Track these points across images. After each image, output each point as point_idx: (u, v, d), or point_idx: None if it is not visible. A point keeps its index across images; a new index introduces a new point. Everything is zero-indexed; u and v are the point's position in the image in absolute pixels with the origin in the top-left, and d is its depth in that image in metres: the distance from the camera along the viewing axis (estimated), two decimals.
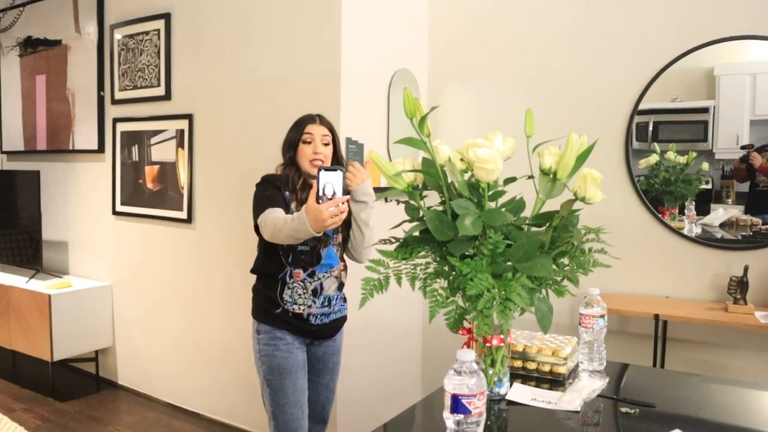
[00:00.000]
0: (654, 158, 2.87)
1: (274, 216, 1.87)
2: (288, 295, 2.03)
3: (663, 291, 2.82)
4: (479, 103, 3.25)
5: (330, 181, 1.68)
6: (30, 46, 4.15)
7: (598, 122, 2.92)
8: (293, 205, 2.02)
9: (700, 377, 1.78)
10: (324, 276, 2.06)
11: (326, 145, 2.09)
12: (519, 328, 1.79)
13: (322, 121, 2.13)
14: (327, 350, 2.18)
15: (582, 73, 2.96)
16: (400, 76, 3.06)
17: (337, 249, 2.10)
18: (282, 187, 2.03)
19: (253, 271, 2.14)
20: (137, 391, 3.69)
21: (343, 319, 2.19)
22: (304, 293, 2.04)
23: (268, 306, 2.06)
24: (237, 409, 3.18)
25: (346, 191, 1.84)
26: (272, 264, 2.04)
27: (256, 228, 1.97)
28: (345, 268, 2.15)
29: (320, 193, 1.67)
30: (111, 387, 3.79)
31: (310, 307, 2.04)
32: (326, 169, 1.69)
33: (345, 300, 2.18)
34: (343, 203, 1.69)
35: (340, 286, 2.12)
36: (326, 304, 2.07)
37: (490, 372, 1.40)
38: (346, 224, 2.02)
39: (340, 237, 2.10)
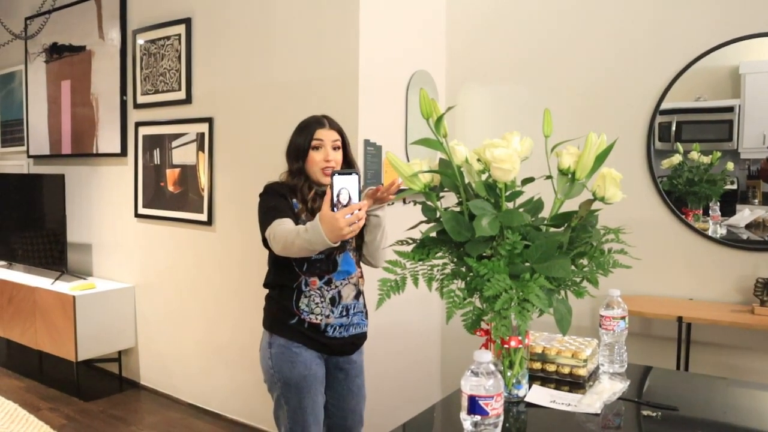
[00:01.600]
0: (677, 158, 2.83)
1: (285, 228, 1.74)
2: (305, 304, 1.89)
3: (687, 293, 2.77)
4: (498, 103, 3.24)
5: (345, 187, 1.56)
6: (55, 52, 4.23)
7: (619, 122, 2.88)
8: (303, 216, 1.89)
9: (725, 381, 1.74)
10: (342, 283, 1.92)
11: (337, 149, 1.94)
12: (538, 329, 1.77)
13: (331, 124, 1.98)
14: (349, 372, 2.03)
15: (603, 72, 2.93)
16: (418, 78, 3.05)
17: (354, 254, 1.97)
18: (289, 196, 1.90)
19: (265, 285, 2.02)
20: (159, 392, 3.73)
21: (363, 336, 2.03)
22: (322, 302, 1.90)
23: (282, 316, 1.92)
24: (258, 410, 3.20)
25: (368, 195, 1.77)
26: (286, 275, 1.91)
27: (265, 242, 1.84)
28: (362, 275, 2.02)
29: (335, 200, 1.56)
30: (134, 387, 3.84)
31: (328, 317, 1.90)
32: (340, 173, 1.57)
33: (366, 315, 2.03)
34: (360, 210, 1.57)
35: (358, 294, 1.98)
36: (344, 313, 1.93)
37: (509, 374, 1.39)
38: (359, 233, 1.88)
39: (354, 243, 1.97)
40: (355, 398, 2.06)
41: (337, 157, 1.94)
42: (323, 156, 1.91)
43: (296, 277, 1.90)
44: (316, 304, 1.90)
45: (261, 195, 1.94)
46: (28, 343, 3.88)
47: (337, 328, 1.92)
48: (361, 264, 2.03)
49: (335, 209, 1.55)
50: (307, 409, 1.90)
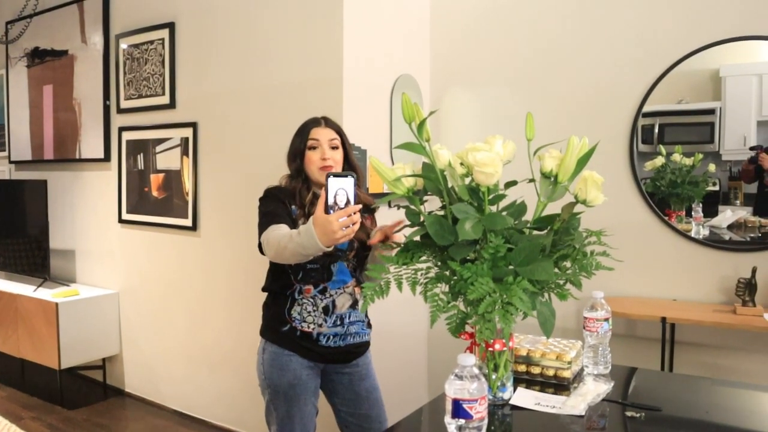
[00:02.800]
0: (660, 160, 2.85)
1: (278, 233, 1.69)
2: (297, 312, 1.87)
3: (670, 294, 2.79)
4: (482, 107, 3.25)
5: (341, 188, 1.50)
6: (37, 56, 4.19)
7: (603, 124, 2.91)
8: (301, 222, 1.83)
9: (708, 380, 1.76)
10: (336, 293, 1.88)
11: (335, 149, 1.91)
12: (523, 332, 1.78)
13: (328, 123, 1.96)
14: (353, 377, 1.97)
15: (586, 75, 2.95)
16: (403, 82, 3.06)
17: (349, 264, 1.92)
18: (287, 201, 1.86)
19: (264, 288, 2.00)
20: (144, 399, 3.70)
21: (364, 345, 1.98)
22: (314, 311, 1.86)
23: (275, 323, 1.90)
24: (244, 416, 3.18)
25: (359, 200, 1.70)
26: (281, 281, 1.89)
27: (260, 247, 1.80)
28: (359, 284, 1.95)
29: (330, 202, 1.49)
30: (118, 394, 3.80)
31: (320, 326, 1.86)
32: (335, 175, 1.50)
33: (368, 325, 1.99)
34: (355, 213, 1.50)
35: (355, 303, 1.92)
36: (338, 323, 1.88)
37: (493, 377, 1.39)
38: (362, 244, 1.86)
39: (352, 254, 1.91)
40: (367, 402, 1.99)
41: (336, 156, 1.91)
42: (320, 155, 1.88)
43: (290, 285, 1.88)
44: (309, 312, 1.87)
45: (260, 199, 1.90)
46: (10, 351, 3.82)
47: (331, 337, 1.88)
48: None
49: (331, 212, 1.50)
50: (295, 418, 1.87)
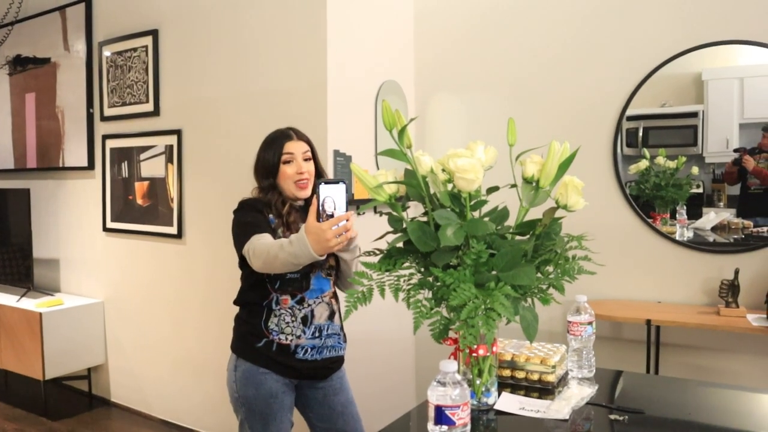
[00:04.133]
0: (644, 164, 2.88)
1: (265, 242, 1.65)
2: (274, 323, 1.81)
3: (655, 296, 2.81)
4: (467, 113, 3.26)
5: (330, 196, 1.48)
6: (19, 64, 4.16)
7: (586, 129, 2.93)
8: (280, 231, 1.81)
9: (692, 382, 1.77)
10: (315, 302, 1.84)
11: (307, 161, 1.88)
12: (507, 336, 1.78)
13: (299, 135, 1.92)
14: (327, 391, 1.93)
15: (569, 79, 2.97)
16: (387, 88, 3.06)
17: (327, 274, 1.88)
18: (265, 211, 1.82)
19: (236, 302, 1.94)
20: (130, 409, 3.66)
21: (339, 360, 1.94)
22: (293, 321, 1.81)
23: (250, 339, 1.83)
24: (230, 424, 3.15)
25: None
26: (257, 292, 1.83)
27: (242, 261, 1.76)
28: (335, 294, 1.94)
29: (320, 210, 1.47)
30: (104, 405, 3.76)
31: (299, 337, 1.81)
32: (327, 182, 1.49)
33: (344, 338, 1.95)
34: (348, 220, 1.49)
35: (332, 314, 1.89)
36: (317, 334, 1.84)
37: (477, 382, 1.39)
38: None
39: (332, 260, 1.88)
40: (342, 418, 1.93)
41: (310, 168, 1.88)
42: (296, 169, 1.85)
43: (267, 295, 1.82)
44: (287, 323, 1.81)
45: (236, 212, 1.85)
46: None
47: (309, 350, 1.83)
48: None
49: (320, 220, 1.48)
50: None
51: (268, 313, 1.83)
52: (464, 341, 1.22)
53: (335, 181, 1.49)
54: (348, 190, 1.54)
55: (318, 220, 1.48)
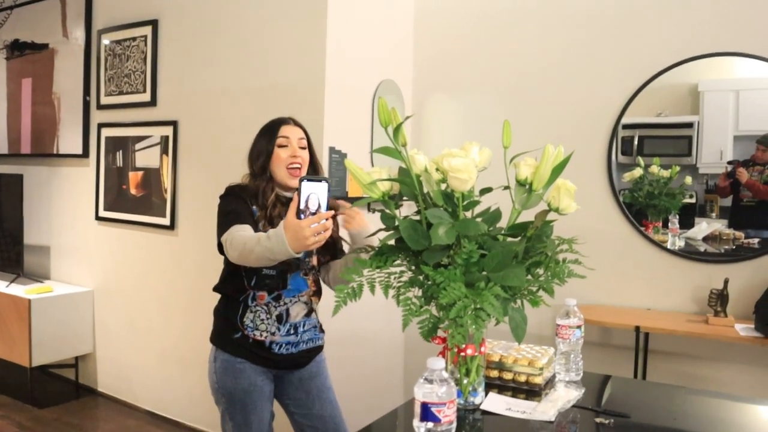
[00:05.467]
0: (638, 172, 2.89)
1: (243, 234, 1.63)
2: (249, 319, 1.81)
3: (645, 303, 2.83)
4: (464, 113, 3.27)
5: (314, 193, 1.46)
6: (17, 49, 4.13)
7: (582, 135, 2.94)
8: (261, 224, 1.78)
9: (679, 388, 1.78)
10: (291, 301, 1.83)
11: (303, 149, 1.86)
12: (496, 338, 1.79)
13: (296, 123, 1.91)
14: (303, 374, 1.92)
15: (566, 85, 2.98)
16: (385, 87, 3.07)
17: (306, 273, 1.86)
18: (249, 201, 1.80)
19: (215, 289, 1.94)
20: (117, 399, 3.65)
21: (317, 349, 1.95)
22: (268, 318, 1.80)
23: (227, 330, 1.84)
24: (215, 416, 3.14)
25: (331, 206, 1.65)
26: (234, 285, 1.83)
27: (220, 247, 1.74)
28: (316, 292, 1.91)
29: (302, 206, 1.45)
30: (90, 394, 3.75)
31: (273, 334, 1.80)
32: (309, 179, 1.46)
33: (321, 329, 1.95)
34: (328, 219, 1.47)
35: (310, 312, 1.88)
36: (292, 332, 1.83)
37: (465, 381, 1.40)
38: (325, 247, 1.80)
39: (315, 260, 1.89)
40: (318, 402, 1.93)
41: (305, 155, 1.86)
42: (290, 153, 1.83)
43: (243, 290, 1.82)
44: (261, 320, 1.81)
45: (221, 197, 1.84)
46: None
47: (284, 345, 1.83)
48: (320, 282, 1.94)
49: (301, 216, 1.45)
50: (253, 425, 1.83)
51: (244, 308, 1.82)
52: (452, 340, 1.23)
53: (318, 179, 1.47)
54: (330, 190, 1.50)
55: (298, 217, 1.45)
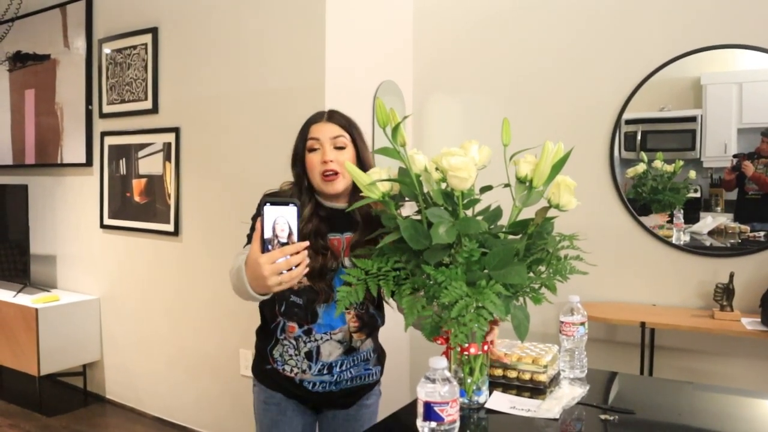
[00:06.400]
0: (641, 167, 2.88)
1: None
2: (278, 353, 1.60)
3: (650, 299, 2.82)
4: (464, 114, 3.27)
5: (281, 217, 1.19)
6: (19, 60, 4.16)
7: (583, 131, 2.93)
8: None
9: (685, 384, 1.77)
10: (322, 338, 1.56)
11: (341, 149, 1.55)
12: (500, 336, 1.78)
13: (332, 117, 1.60)
14: (350, 414, 1.68)
15: (566, 81, 2.98)
16: (385, 88, 3.07)
17: (351, 311, 1.58)
18: None
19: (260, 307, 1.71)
20: (125, 405, 3.66)
21: (366, 387, 1.67)
22: (296, 355, 1.57)
23: (260, 360, 1.66)
24: (225, 422, 3.16)
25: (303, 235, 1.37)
26: (269, 307, 1.60)
27: None
28: (361, 328, 1.59)
29: (267, 236, 1.19)
30: (99, 401, 3.76)
31: (304, 372, 1.57)
32: (273, 203, 1.20)
33: (375, 362, 1.67)
34: (298, 252, 1.20)
35: (349, 351, 1.60)
36: (326, 372, 1.57)
37: (469, 380, 1.39)
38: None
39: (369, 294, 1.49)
40: None
41: (341, 157, 1.54)
42: (321, 157, 1.53)
43: (274, 317, 1.60)
44: (290, 356, 1.58)
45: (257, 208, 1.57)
46: None
47: (318, 384, 1.59)
48: (367, 317, 1.62)
49: (269, 248, 1.19)
50: None
51: (274, 340, 1.62)
52: (455, 339, 1.23)
53: (284, 202, 1.19)
54: (300, 215, 1.23)
55: (264, 249, 1.20)
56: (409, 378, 3.41)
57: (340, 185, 1.56)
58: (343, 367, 1.60)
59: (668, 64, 2.75)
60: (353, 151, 1.58)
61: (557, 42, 3.00)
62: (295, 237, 1.20)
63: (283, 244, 1.19)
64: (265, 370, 1.63)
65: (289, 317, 1.56)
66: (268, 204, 1.19)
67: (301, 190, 1.57)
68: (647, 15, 2.80)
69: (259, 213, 1.31)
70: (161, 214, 3.37)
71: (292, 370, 1.59)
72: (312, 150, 1.55)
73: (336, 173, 1.53)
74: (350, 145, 1.58)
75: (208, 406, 3.23)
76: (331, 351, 1.58)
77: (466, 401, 1.39)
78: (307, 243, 1.23)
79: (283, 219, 1.19)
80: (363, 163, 1.57)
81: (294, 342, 1.57)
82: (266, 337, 1.63)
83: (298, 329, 1.56)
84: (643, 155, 2.87)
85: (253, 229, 1.46)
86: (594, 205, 2.86)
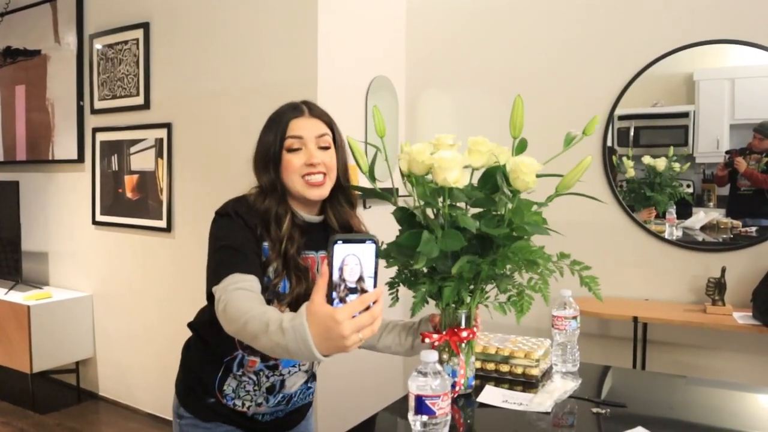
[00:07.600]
0: (631, 172, 2.89)
1: (243, 305, 1.10)
2: (231, 388, 1.37)
3: (642, 293, 2.82)
4: (457, 109, 3.27)
5: (352, 255, 0.92)
6: (9, 56, 4.13)
7: (576, 126, 2.89)
8: (272, 268, 1.25)
9: (677, 378, 1.78)
10: (290, 371, 1.38)
11: (325, 149, 1.32)
12: (492, 330, 1.78)
13: (314, 111, 1.36)
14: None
15: (559, 77, 2.98)
16: (378, 84, 3.06)
17: None
18: (257, 228, 1.26)
19: (191, 325, 1.51)
20: (118, 402, 3.65)
21: (306, 406, 1.53)
22: (255, 390, 1.36)
23: (197, 390, 1.40)
24: None
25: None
26: (220, 340, 1.28)
27: (210, 297, 1.23)
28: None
29: (335, 278, 0.92)
30: (92, 398, 3.75)
31: (259, 405, 1.38)
32: (345, 241, 0.91)
33: (313, 378, 1.49)
34: (376, 302, 0.94)
35: (310, 378, 1.46)
36: (284, 403, 1.42)
37: (472, 359, 1.40)
38: None
39: None
40: None
41: (328, 159, 1.32)
42: (305, 158, 1.29)
43: (231, 351, 1.34)
44: (247, 391, 1.37)
45: (214, 220, 1.32)
46: None
47: (272, 414, 1.44)
48: None
49: (334, 295, 0.93)
50: None
51: (225, 373, 1.36)
52: (448, 298, 1.22)
53: (360, 239, 0.92)
54: (379, 254, 0.94)
55: (330, 296, 0.93)
56: (403, 373, 3.41)
57: (326, 191, 1.34)
58: (299, 397, 1.46)
59: (661, 59, 2.75)
60: (334, 152, 1.35)
61: (549, 38, 3.00)
62: (368, 282, 0.94)
63: (351, 290, 0.93)
64: (206, 405, 1.38)
65: (253, 351, 1.31)
66: (339, 242, 0.91)
67: (275, 198, 1.31)
68: (640, 10, 2.80)
69: (232, 219, 1.21)
70: (153, 210, 3.35)
71: (244, 404, 1.38)
72: (292, 150, 1.31)
73: (323, 178, 1.31)
74: (332, 145, 1.35)
75: None
76: (296, 381, 1.41)
77: (462, 390, 1.39)
78: (383, 287, 1.01)
79: (355, 259, 0.92)
80: (343, 165, 1.39)
81: (254, 377, 1.35)
82: (213, 368, 1.36)
83: (260, 363, 1.34)
84: (637, 151, 2.87)
85: (232, 247, 1.22)
86: (587, 201, 2.86)
